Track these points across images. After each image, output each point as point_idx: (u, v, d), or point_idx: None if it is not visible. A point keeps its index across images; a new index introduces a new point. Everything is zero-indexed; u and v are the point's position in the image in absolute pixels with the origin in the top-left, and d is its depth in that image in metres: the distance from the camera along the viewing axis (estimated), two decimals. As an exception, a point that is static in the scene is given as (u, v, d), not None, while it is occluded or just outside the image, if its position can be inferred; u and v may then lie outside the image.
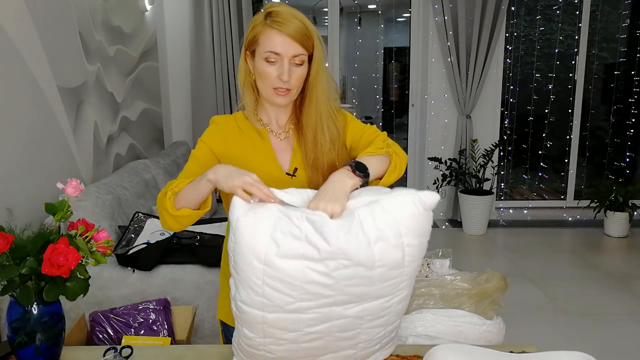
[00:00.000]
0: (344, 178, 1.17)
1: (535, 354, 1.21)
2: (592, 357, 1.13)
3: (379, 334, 1.16)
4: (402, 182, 5.42)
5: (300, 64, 1.28)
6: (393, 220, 1.07)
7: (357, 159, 1.23)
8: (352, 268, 1.03)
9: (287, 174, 1.37)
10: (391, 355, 1.29)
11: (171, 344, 1.65)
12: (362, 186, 1.20)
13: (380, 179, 1.29)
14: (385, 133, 1.43)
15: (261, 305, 1.06)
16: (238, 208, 1.07)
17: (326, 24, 5.20)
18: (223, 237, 1.53)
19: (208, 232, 2.43)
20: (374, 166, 1.24)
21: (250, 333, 1.11)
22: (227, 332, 1.45)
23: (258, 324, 1.09)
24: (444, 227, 4.97)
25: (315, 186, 1.25)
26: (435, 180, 4.85)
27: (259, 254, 1.03)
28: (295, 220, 1.04)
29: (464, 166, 4.83)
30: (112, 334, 1.89)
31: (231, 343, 1.24)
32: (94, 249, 1.25)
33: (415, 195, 1.11)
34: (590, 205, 4.73)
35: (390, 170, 1.29)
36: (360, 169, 1.20)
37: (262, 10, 1.30)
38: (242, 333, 1.14)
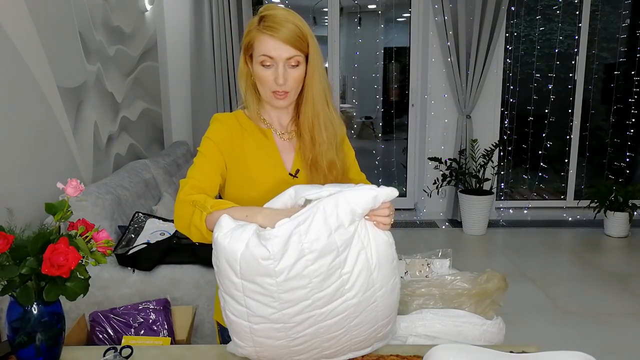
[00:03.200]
0: None
1: (535, 354, 1.21)
2: (592, 357, 1.13)
3: (370, 329, 1.18)
4: (402, 182, 5.43)
5: (296, 65, 1.29)
6: (350, 209, 1.09)
7: None
8: (318, 261, 1.06)
9: (289, 174, 1.37)
10: (391, 355, 1.29)
11: (171, 344, 1.65)
12: None
13: None
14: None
15: (246, 315, 1.10)
16: (222, 228, 1.11)
17: (326, 24, 5.20)
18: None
19: (208, 232, 2.43)
20: None
21: (241, 342, 1.16)
22: (222, 333, 1.47)
23: (246, 334, 1.13)
24: (444, 227, 4.97)
25: None
26: (435, 180, 4.85)
27: (236, 269, 1.07)
28: (261, 239, 1.07)
29: (464, 166, 4.83)
30: (112, 334, 1.89)
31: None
32: (94, 249, 1.25)
33: (375, 191, 1.13)
34: (590, 205, 4.73)
35: None
36: None
37: (257, 14, 1.30)
38: (235, 342, 1.18)
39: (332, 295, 1.09)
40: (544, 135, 5.36)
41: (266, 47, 1.26)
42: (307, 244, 1.05)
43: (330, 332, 1.14)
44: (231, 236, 1.08)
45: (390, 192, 1.15)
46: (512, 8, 5.03)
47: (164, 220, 2.60)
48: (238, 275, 1.07)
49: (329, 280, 1.08)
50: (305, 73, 1.31)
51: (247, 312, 1.10)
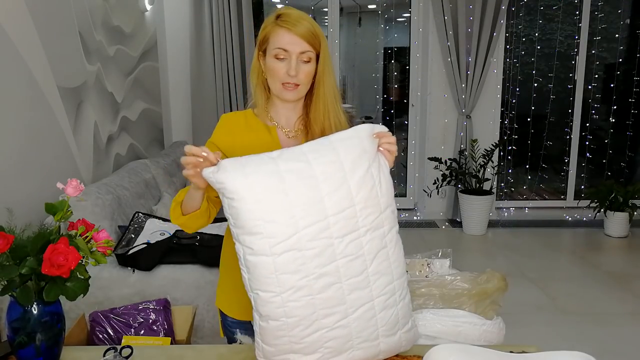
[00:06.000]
0: None
1: (535, 354, 1.21)
2: (592, 357, 1.13)
3: (389, 292, 1.20)
4: (402, 182, 5.43)
5: (308, 61, 1.35)
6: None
7: None
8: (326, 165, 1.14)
9: None
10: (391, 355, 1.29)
11: (171, 344, 1.64)
12: None
13: None
14: None
15: (268, 247, 1.11)
16: (211, 174, 1.14)
17: (326, 24, 5.20)
18: (223, 237, 1.54)
19: (208, 232, 2.43)
20: None
21: (267, 294, 1.13)
22: (224, 321, 1.52)
23: (271, 275, 1.12)
24: (444, 227, 4.97)
25: None
26: (435, 180, 4.85)
27: (252, 192, 1.11)
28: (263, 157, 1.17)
29: (464, 166, 4.83)
30: (112, 334, 1.89)
31: (228, 332, 1.34)
32: (94, 249, 1.25)
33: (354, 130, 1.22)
34: (590, 205, 4.73)
35: None
36: None
37: (273, 14, 1.37)
38: (260, 310, 1.15)
39: (344, 216, 1.14)
40: (544, 135, 5.36)
41: (281, 41, 1.32)
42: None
43: (353, 275, 1.15)
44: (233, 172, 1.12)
45: (384, 127, 1.24)
46: (512, 8, 5.03)
47: (164, 220, 2.60)
48: (255, 201, 1.11)
49: (338, 194, 1.14)
50: (316, 71, 1.37)
51: (269, 243, 1.11)
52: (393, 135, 1.24)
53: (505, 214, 5.25)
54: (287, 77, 1.34)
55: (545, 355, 1.19)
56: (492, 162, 4.85)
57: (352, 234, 1.15)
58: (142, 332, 1.90)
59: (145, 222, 2.54)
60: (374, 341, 1.20)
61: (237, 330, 1.47)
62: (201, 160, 1.14)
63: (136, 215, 2.56)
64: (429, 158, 4.89)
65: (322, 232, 1.12)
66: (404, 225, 4.89)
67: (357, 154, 1.17)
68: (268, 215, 1.11)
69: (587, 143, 5.31)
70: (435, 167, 4.85)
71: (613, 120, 5.33)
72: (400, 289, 1.23)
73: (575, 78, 5.18)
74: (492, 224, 4.93)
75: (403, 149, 5.45)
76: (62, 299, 1.21)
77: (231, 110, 4.92)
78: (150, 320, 1.93)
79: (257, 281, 1.14)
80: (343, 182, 1.14)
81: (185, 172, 1.18)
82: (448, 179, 4.77)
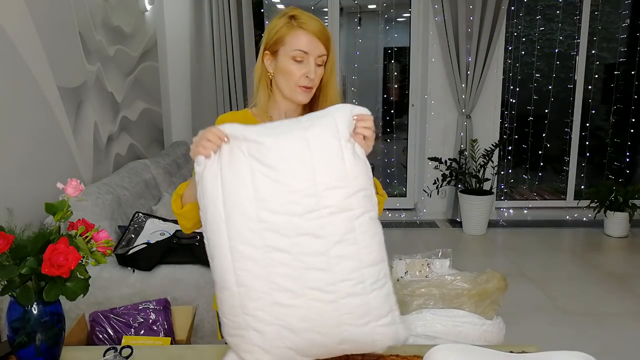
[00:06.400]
0: None
1: (535, 354, 1.21)
2: (592, 357, 1.13)
3: (356, 279, 1.14)
4: (402, 182, 5.43)
5: (321, 65, 1.37)
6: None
7: None
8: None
9: None
10: (391, 355, 1.29)
11: (171, 344, 1.65)
12: None
13: None
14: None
15: (222, 220, 1.14)
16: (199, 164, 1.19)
17: (326, 24, 5.20)
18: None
19: (208, 232, 2.43)
20: None
21: (220, 261, 1.16)
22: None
23: (224, 242, 1.14)
24: (444, 227, 4.97)
25: None
26: (435, 180, 4.85)
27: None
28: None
29: (464, 166, 4.83)
30: (112, 334, 1.89)
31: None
32: (94, 249, 1.25)
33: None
34: (590, 205, 4.73)
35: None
36: None
37: (282, 14, 1.37)
38: (215, 278, 1.19)
39: (305, 196, 1.12)
40: (544, 135, 5.35)
41: (301, 43, 1.33)
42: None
43: (313, 255, 1.13)
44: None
45: (365, 110, 1.21)
46: (512, 8, 5.03)
47: (164, 220, 2.60)
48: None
49: (300, 180, 1.13)
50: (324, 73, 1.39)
51: (225, 217, 1.14)
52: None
53: (505, 214, 5.25)
54: (304, 80, 1.34)
55: (545, 355, 1.19)
56: (492, 162, 4.85)
57: (313, 213, 1.12)
58: (142, 332, 1.90)
59: (145, 222, 2.54)
60: (337, 328, 1.15)
61: None
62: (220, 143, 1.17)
63: (136, 215, 2.56)
64: (429, 158, 4.89)
65: (282, 207, 1.12)
66: (404, 225, 4.90)
67: (328, 133, 1.14)
68: (230, 185, 1.14)
69: (587, 143, 5.31)
70: (435, 167, 4.85)
71: (613, 120, 5.33)
72: (371, 277, 1.16)
73: (575, 78, 5.18)
74: (492, 224, 4.93)
75: (403, 149, 5.45)
76: (62, 299, 1.21)
77: (231, 109, 4.91)
78: (150, 320, 1.93)
79: (214, 248, 1.17)
80: (306, 161, 1.12)
81: (201, 151, 1.17)
82: (448, 179, 4.77)
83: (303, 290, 1.13)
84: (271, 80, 1.40)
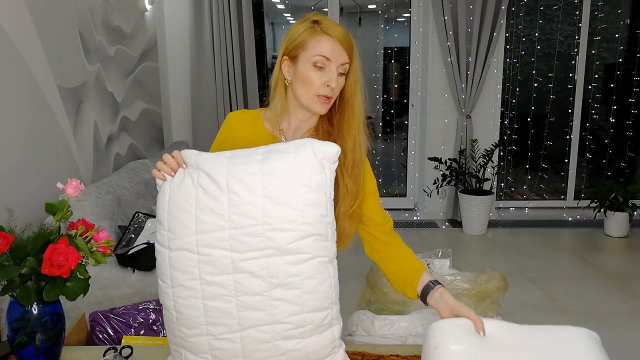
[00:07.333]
0: None
1: (536, 327, 1.20)
2: (596, 333, 1.13)
3: (295, 322, 1.11)
4: (402, 182, 5.43)
5: (343, 74, 1.29)
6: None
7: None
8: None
9: None
10: (391, 355, 1.29)
11: (171, 344, 1.64)
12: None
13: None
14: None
15: (167, 240, 1.14)
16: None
17: (326, 24, 5.20)
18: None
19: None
20: None
21: (162, 284, 1.16)
22: None
23: (165, 267, 1.14)
24: (444, 227, 4.97)
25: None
26: (435, 180, 4.85)
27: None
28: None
29: (464, 166, 4.83)
30: (112, 334, 1.88)
31: None
32: (94, 249, 1.25)
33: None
34: (590, 205, 4.73)
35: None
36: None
37: (304, 19, 1.30)
38: (160, 298, 1.19)
39: (246, 227, 1.09)
40: (544, 135, 5.35)
41: (324, 47, 1.25)
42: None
43: (249, 293, 1.10)
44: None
45: (330, 145, 1.12)
46: (512, 8, 5.03)
47: (164, 220, 2.60)
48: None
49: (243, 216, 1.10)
50: (345, 84, 1.32)
51: (169, 236, 1.14)
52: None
53: (505, 214, 5.25)
54: (324, 89, 1.26)
55: (549, 328, 1.19)
56: (492, 162, 4.85)
57: (255, 252, 1.08)
58: (142, 332, 1.90)
59: (145, 222, 2.54)
60: None
61: None
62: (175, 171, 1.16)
63: (136, 215, 2.56)
64: (429, 158, 4.89)
65: (219, 242, 1.09)
66: (404, 225, 4.90)
67: (284, 171, 1.08)
68: (175, 211, 1.13)
69: (587, 143, 5.31)
70: (435, 167, 4.85)
71: (613, 120, 5.33)
72: (313, 322, 1.11)
73: (575, 78, 5.18)
74: (492, 224, 4.93)
75: (403, 149, 5.45)
76: (62, 299, 1.21)
77: (231, 110, 4.91)
78: (150, 320, 1.93)
79: (160, 268, 1.17)
80: (256, 197, 1.07)
81: (156, 173, 1.17)
82: (448, 179, 4.77)
83: (237, 327, 1.11)
84: (287, 88, 1.32)
